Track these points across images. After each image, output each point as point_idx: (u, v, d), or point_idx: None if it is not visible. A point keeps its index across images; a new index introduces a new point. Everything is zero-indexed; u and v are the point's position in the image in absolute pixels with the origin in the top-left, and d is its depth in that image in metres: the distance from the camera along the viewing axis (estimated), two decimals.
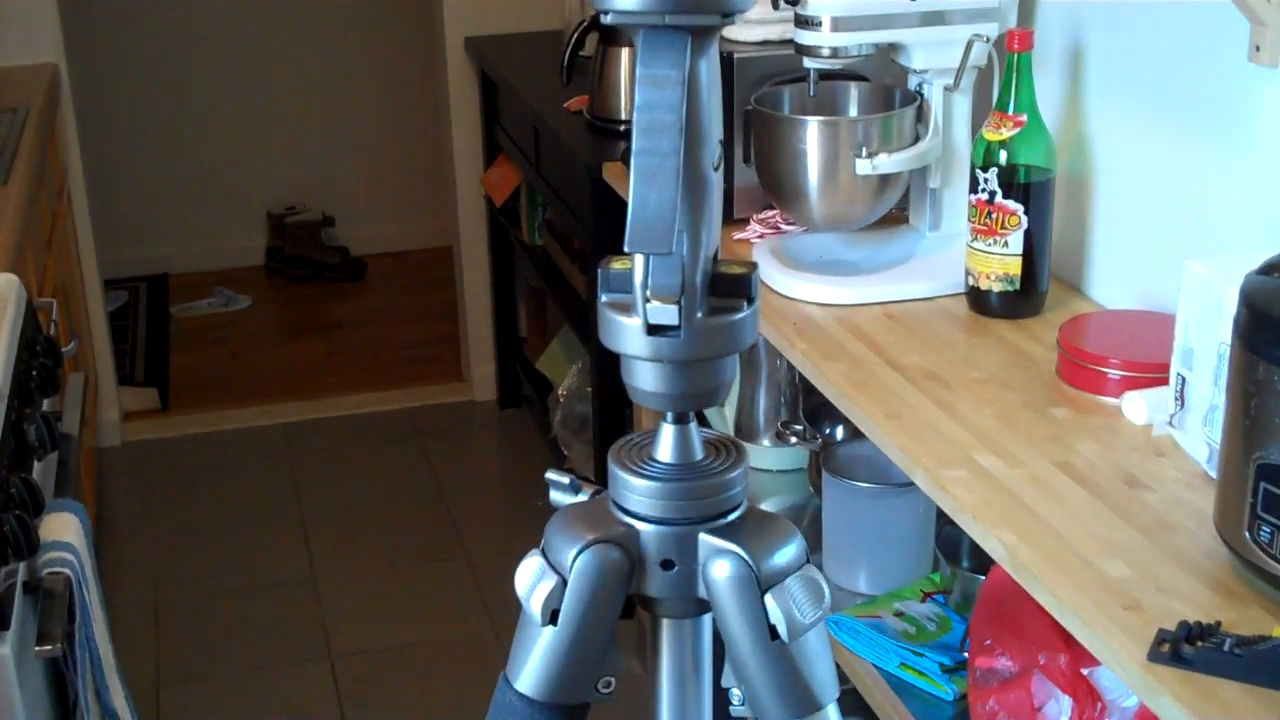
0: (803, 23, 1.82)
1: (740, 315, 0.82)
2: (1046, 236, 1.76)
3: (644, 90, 0.76)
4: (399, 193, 4.98)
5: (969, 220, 1.77)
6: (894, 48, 1.87)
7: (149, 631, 2.92)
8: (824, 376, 1.66)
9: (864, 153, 1.83)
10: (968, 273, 1.80)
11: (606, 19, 0.77)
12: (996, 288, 1.76)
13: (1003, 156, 1.71)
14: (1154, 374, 1.51)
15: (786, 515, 2.17)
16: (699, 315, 0.81)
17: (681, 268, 0.79)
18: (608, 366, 2.62)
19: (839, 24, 1.80)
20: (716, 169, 0.82)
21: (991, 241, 1.74)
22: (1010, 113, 1.71)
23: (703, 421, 0.88)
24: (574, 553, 0.86)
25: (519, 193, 3.49)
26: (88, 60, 4.17)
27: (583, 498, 0.91)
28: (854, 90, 1.97)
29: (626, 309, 0.82)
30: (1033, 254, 1.74)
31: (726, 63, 2.05)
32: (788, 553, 0.86)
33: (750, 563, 0.84)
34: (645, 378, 0.83)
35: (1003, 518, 1.33)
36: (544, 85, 3.11)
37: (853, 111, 1.97)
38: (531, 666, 0.88)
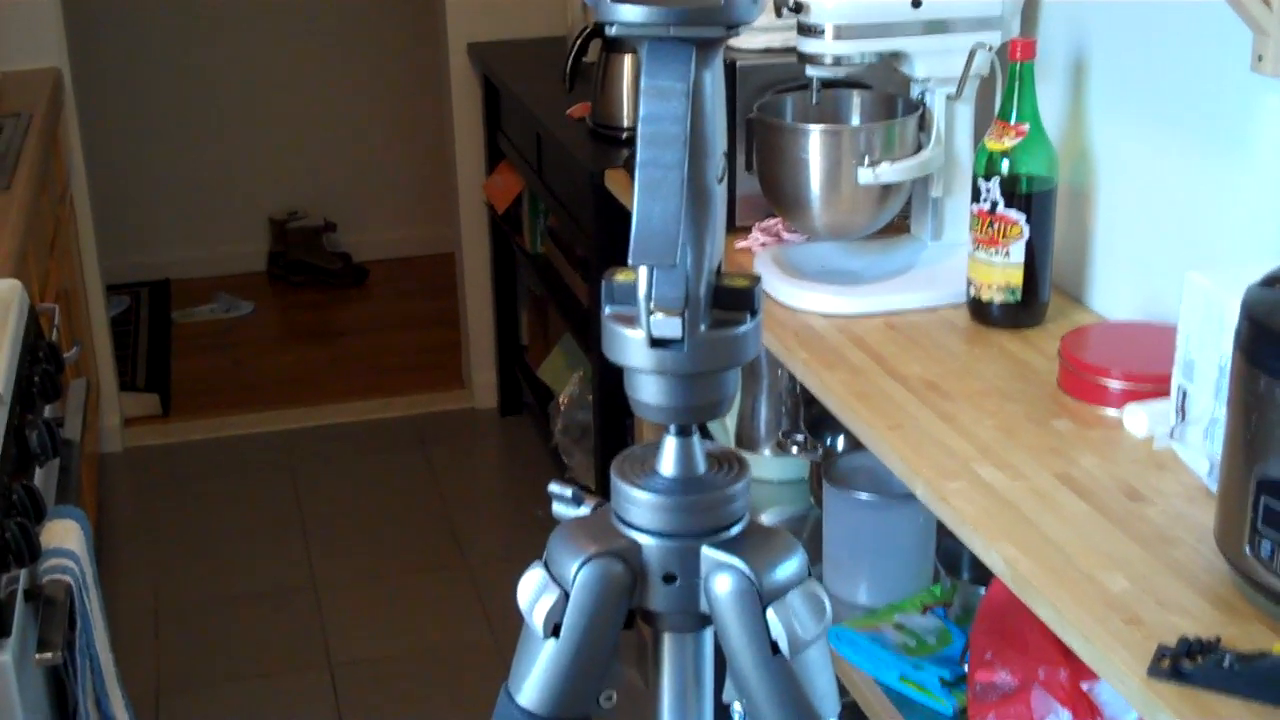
0: (805, 31, 1.82)
1: (743, 328, 0.82)
2: (1048, 247, 1.76)
3: (648, 102, 0.77)
4: (401, 199, 4.98)
5: (971, 230, 1.77)
6: (897, 56, 1.86)
7: (149, 638, 2.92)
8: (825, 386, 1.66)
9: (866, 161, 1.83)
10: (969, 283, 1.79)
11: (611, 30, 0.77)
12: (998, 298, 1.76)
13: (1005, 166, 1.71)
14: (1155, 386, 1.51)
15: (787, 526, 2.18)
16: (702, 328, 0.81)
17: (685, 280, 0.79)
18: (609, 376, 2.61)
19: (842, 32, 1.80)
20: (720, 182, 0.82)
21: (993, 251, 1.74)
22: (1012, 122, 1.71)
23: (705, 433, 0.88)
24: (576, 566, 0.86)
25: (521, 200, 3.49)
26: (91, 65, 4.17)
27: (585, 510, 0.91)
28: (856, 99, 1.97)
29: (630, 321, 0.82)
30: (1034, 264, 1.74)
31: (729, 70, 2.06)
32: (789, 567, 0.86)
33: (752, 577, 0.84)
34: (648, 390, 0.83)
35: (1003, 530, 1.33)
36: (546, 92, 3.11)
37: (855, 120, 1.97)
38: (533, 680, 0.88)
